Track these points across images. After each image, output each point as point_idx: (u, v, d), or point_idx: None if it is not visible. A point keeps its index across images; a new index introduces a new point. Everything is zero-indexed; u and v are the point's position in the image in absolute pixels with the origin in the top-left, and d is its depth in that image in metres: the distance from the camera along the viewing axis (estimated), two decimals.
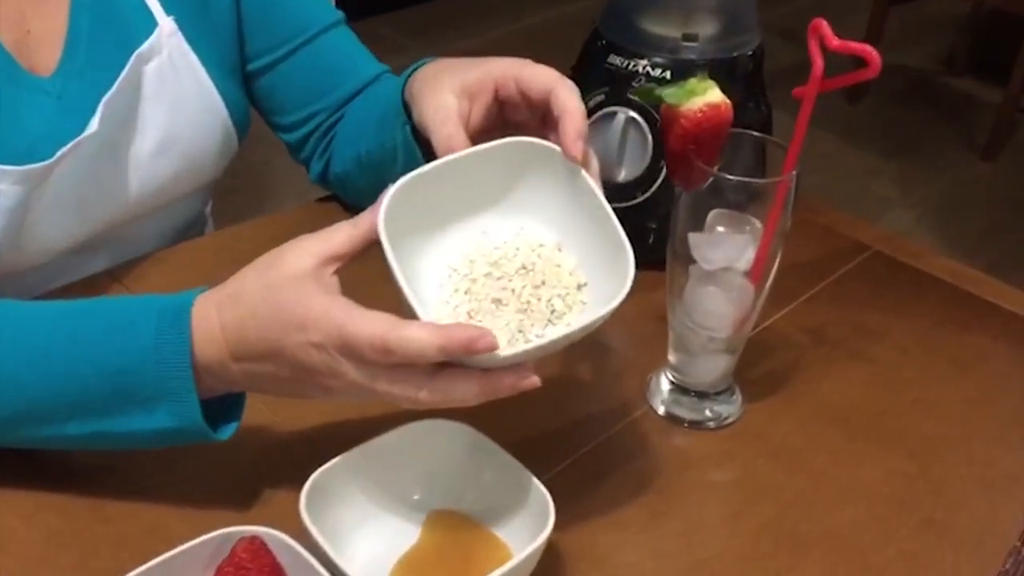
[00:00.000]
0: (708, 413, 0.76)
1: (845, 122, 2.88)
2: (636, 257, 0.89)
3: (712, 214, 0.70)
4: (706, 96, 0.65)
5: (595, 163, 0.65)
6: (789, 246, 0.72)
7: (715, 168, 0.67)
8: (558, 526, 0.61)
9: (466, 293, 0.63)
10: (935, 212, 2.59)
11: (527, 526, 0.60)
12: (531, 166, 0.64)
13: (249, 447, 0.68)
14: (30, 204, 0.75)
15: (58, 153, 0.73)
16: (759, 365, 0.81)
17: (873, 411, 0.78)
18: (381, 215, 0.59)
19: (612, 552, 0.65)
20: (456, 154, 0.63)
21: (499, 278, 0.63)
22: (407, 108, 0.74)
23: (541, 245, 0.64)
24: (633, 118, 0.86)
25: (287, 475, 0.64)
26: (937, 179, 2.72)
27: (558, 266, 0.64)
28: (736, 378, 0.78)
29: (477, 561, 0.61)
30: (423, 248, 0.64)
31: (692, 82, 0.66)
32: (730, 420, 0.76)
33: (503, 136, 0.64)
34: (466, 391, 0.56)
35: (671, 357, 0.77)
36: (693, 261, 0.71)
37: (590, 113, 0.88)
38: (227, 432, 0.63)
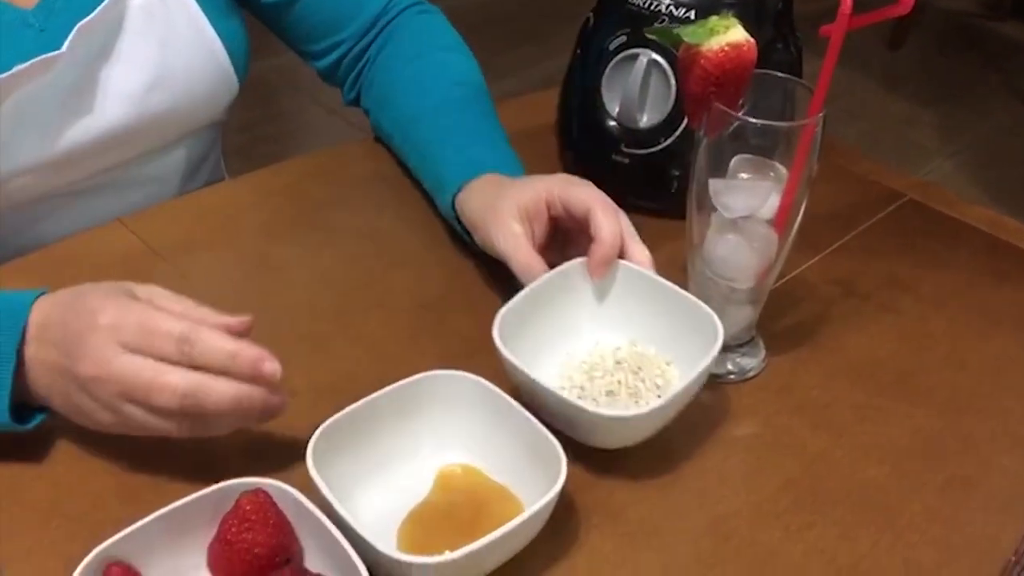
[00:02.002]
0: (730, 366, 0.73)
1: (885, 69, 2.80)
2: (658, 206, 0.88)
3: (735, 160, 0.67)
4: (728, 35, 0.62)
5: (643, 254, 0.71)
6: (818, 194, 0.69)
7: (737, 111, 0.64)
8: (572, 481, 0.59)
9: (579, 397, 0.67)
10: (975, 161, 2.52)
11: (540, 481, 0.59)
12: (582, 286, 0.72)
13: None
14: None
15: (16, 68, 0.73)
16: (783, 317, 0.78)
17: (901, 366, 0.76)
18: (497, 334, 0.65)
19: (627, 508, 0.64)
20: (536, 284, 0.70)
21: (602, 376, 0.69)
22: (457, 212, 0.79)
23: (618, 348, 0.71)
24: (655, 60, 0.83)
25: (294, 428, 0.63)
26: (977, 127, 2.64)
27: (642, 354, 0.71)
28: (759, 331, 0.75)
29: (488, 516, 0.60)
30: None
31: (713, 20, 0.62)
32: (752, 374, 0.74)
33: (561, 245, 0.74)
34: (222, 391, 0.58)
35: None
36: (714, 209, 0.69)
37: (612, 55, 0.86)
38: (34, 421, 0.63)
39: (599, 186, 0.89)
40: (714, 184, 0.67)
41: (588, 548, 0.61)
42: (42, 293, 0.63)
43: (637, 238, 0.71)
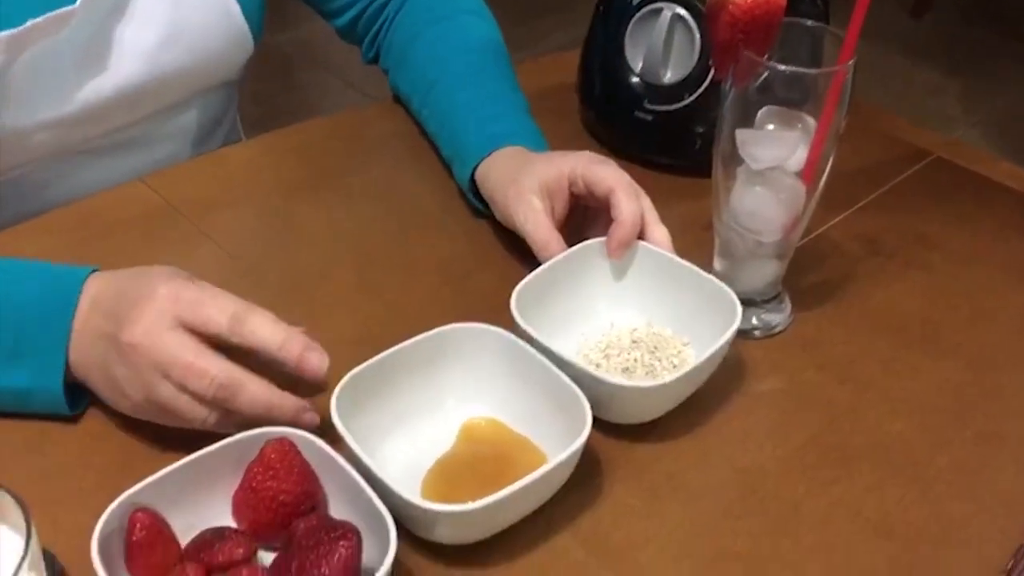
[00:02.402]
0: (755, 322, 0.73)
1: (908, 38, 2.77)
2: (681, 163, 0.87)
3: (762, 111, 0.66)
4: None
5: (663, 236, 0.71)
6: (845, 151, 0.68)
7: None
8: (596, 436, 0.59)
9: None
10: (998, 130, 2.48)
11: (564, 433, 0.58)
12: (600, 266, 0.71)
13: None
14: (15, 72, 0.74)
15: (30, 22, 0.72)
16: (809, 273, 0.77)
17: (928, 321, 0.75)
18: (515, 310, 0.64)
19: (652, 461, 0.63)
20: (553, 262, 0.69)
21: (618, 354, 0.68)
22: (475, 183, 0.79)
23: (635, 329, 0.70)
24: (679, 15, 0.82)
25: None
26: (1001, 96, 2.61)
27: (659, 334, 0.70)
28: (785, 286, 0.74)
29: (512, 467, 0.59)
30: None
31: None
32: (778, 329, 0.73)
33: (580, 224, 0.74)
34: (257, 393, 0.57)
35: (717, 264, 0.73)
36: (741, 162, 0.68)
37: (635, 10, 0.85)
38: (79, 406, 0.62)
39: (621, 145, 0.89)
40: (741, 135, 0.66)
41: (612, 501, 0.61)
42: (95, 269, 0.62)
43: (658, 221, 0.71)
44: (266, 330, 0.58)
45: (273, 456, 0.54)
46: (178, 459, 0.55)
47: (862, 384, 0.69)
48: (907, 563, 0.58)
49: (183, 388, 0.57)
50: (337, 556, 0.49)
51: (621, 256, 0.70)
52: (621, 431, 0.64)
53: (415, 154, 0.89)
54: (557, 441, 0.59)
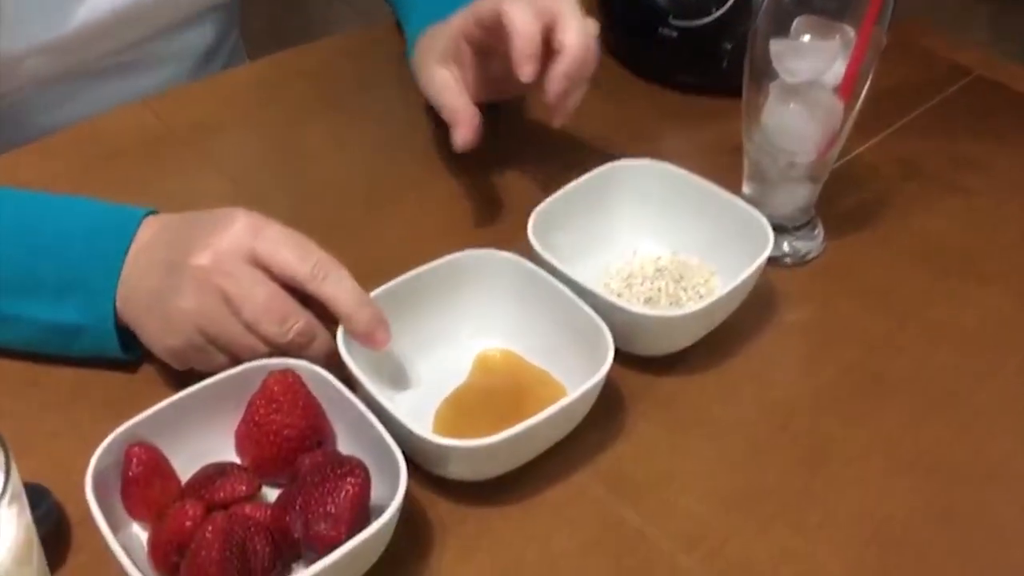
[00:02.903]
0: (786, 249, 0.69)
1: None
2: (708, 82, 0.82)
3: (798, 21, 0.62)
4: None
5: (574, 36, 0.62)
6: (880, 70, 0.64)
7: None
8: (618, 368, 0.56)
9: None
10: None
11: (584, 366, 0.55)
12: (622, 191, 0.67)
13: None
14: None
15: None
16: (844, 198, 0.73)
17: (969, 248, 0.71)
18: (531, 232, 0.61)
19: (677, 394, 0.60)
20: (571, 186, 0.65)
21: (641, 283, 0.65)
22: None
23: (659, 257, 0.67)
24: None
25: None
26: None
27: (684, 263, 0.66)
28: (818, 212, 0.70)
29: (530, 401, 0.56)
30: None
31: None
32: (810, 256, 0.69)
33: (507, 86, 0.66)
34: (325, 343, 0.55)
35: (746, 188, 0.69)
36: (774, 77, 0.63)
37: None
38: (134, 350, 0.58)
39: (645, 65, 0.85)
40: (776, 46, 0.61)
41: (636, 436, 0.58)
42: (153, 211, 0.59)
43: (574, 14, 0.62)
44: (345, 289, 0.54)
45: (276, 389, 0.51)
46: (178, 391, 0.52)
47: (899, 314, 0.66)
48: (945, 502, 0.55)
49: (253, 327, 0.53)
50: (344, 493, 0.46)
51: (530, 75, 0.61)
52: (644, 364, 0.61)
53: None
54: (577, 374, 0.56)
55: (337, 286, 0.54)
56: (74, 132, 0.77)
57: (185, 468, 0.51)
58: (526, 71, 0.61)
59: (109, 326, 0.56)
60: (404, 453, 0.49)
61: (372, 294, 0.56)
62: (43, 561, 0.40)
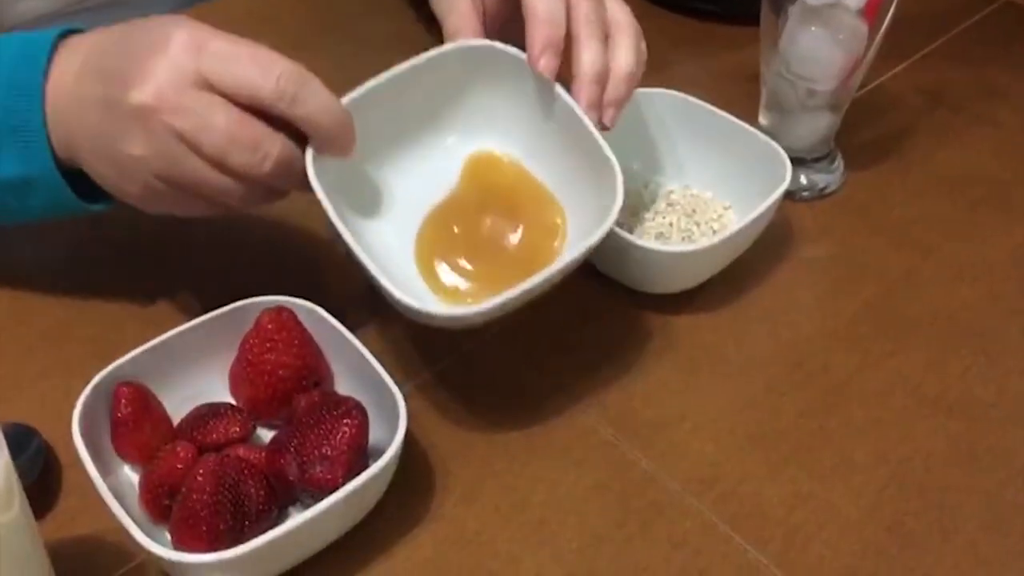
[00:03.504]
0: (804, 182, 0.66)
1: None
2: (723, 9, 0.78)
3: None
4: None
5: (589, 60, 0.52)
6: None
7: None
8: (629, 304, 0.53)
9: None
10: None
11: (588, 193, 0.51)
12: (631, 122, 0.60)
13: (296, 211, 0.59)
14: None
15: None
16: (865, 129, 0.70)
17: (997, 180, 0.68)
18: None
19: (688, 333, 0.58)
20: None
21: (652, 218, 0.62)
22: None
23: (671, 191, 0.64)
24: None
25: (314, 243, 0.57)
26: None
27: (697, 196, 0.63)
28: (838, 144, 0.67)
29: (521, 224, 0.52)
30: None
31: None
32: (829, 190, 0.66)
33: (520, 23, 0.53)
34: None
35: (763, 119, 0.66)
36: (793, 0, 0.60)
37: None
38: (97, 205, 0.51)
39: None
40: None
41: (644, 376, 0.56)
42: (74, 29, 0.50)
43: (591, 37, 0.52)
44: (321, 105, 0.46)
45: (270, 327, 0.49)
46: (169, 329, 0.50)
47: (922, 249, 0.63)
48: (969, 442, 0.53)
49: (220, 162, 0.45)
50: (340, 435, 0.44)
51: (552, 69, 0.51)
52: (656, 302, 0.59)
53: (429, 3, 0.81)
54: (580, 201, 0.51)
55: (310, 103, 0.46)
56: None
57: (177, 409, 0.49)
58: (543, 64, 0.51)
59: (54, 173, 0.49)
60: (402, 386, 0.47)
61: (348, 96, 0.50)
62: (26, 506, 0.38)
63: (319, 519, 0.43)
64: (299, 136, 0.48)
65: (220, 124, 0.45)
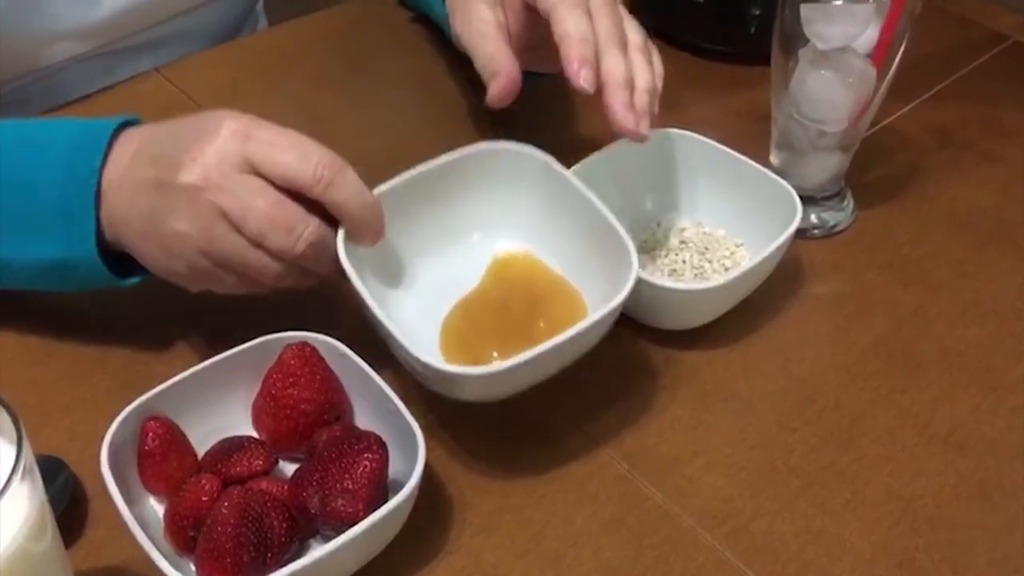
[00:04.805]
0: (814, 220, 0.67)
1: None
2: (734, 50, 0.80)
3: None
4: None
5: (615, 64, 0.55)
6: (914, 34, 0.61)
7: None
8: (641, 341, 0.55)
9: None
10: None
11: (606, 279, 0.53)
12: (645, 161, 0.64)
13: None
14: None
15: None
16: (874, 168, 0.71)
17: (1005, 218, 0.69)
18: None
19: (701, 368, 0.59)
20: (595, 156, 0.60)
21: (665, 255, 0.63)
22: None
23: (683, 229, 0.65)
24: None
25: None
26: None
27: (710, 235, 0.64)
28: (848, 182, 0.69)
29: (545, 314, 0.54)
30: None
31: None
32: (839, 228, 0.68)
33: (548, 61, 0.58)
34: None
35: (773, 158, 0.68)
36: (804, 43, 0.61)
37: None
38: (130, 280, 0.54)
39: (671, 31, 0.82)
40: (807, 11, 0.59)
41: (659, 412, 0.57)
42: (134, 120, 0.54)
43: (614, 45, 0.56)
44: (353, 191, 0.50)
45: (293, 362, 0.50)
46: (195, 362, 0.51)
47: (931, 287, 0.64)
48: (978, 479, 0.54)
49: (259, 242, 0.49)
50: (362, 469, 0.46)
51: (593, 83, 0.54)
52: (668, 338, 0.60)
53: (450, 42, 0.83)
54: (598, 285, 0.54)
55: (344, 189, 0.50)
56: (92, 102, 0.76)
57: (201, 442, 0.51)
58: (584, 77, 0.54)
59: (94, 257, 0.52)
60: (422, 418, 0.48)
61: (379, 190, 0.53)
62: (58, 536, 0.39)
63: (341, 551, 0.44)
64: (332, 222, 0.51)
65: (260, 205, 0.48)
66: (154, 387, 0.50)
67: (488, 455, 0.54)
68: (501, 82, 0.58)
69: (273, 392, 0.50)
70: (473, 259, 0.57)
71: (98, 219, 0.52)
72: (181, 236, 0.49)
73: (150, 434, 0.48)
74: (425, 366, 0.48)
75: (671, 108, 0.77)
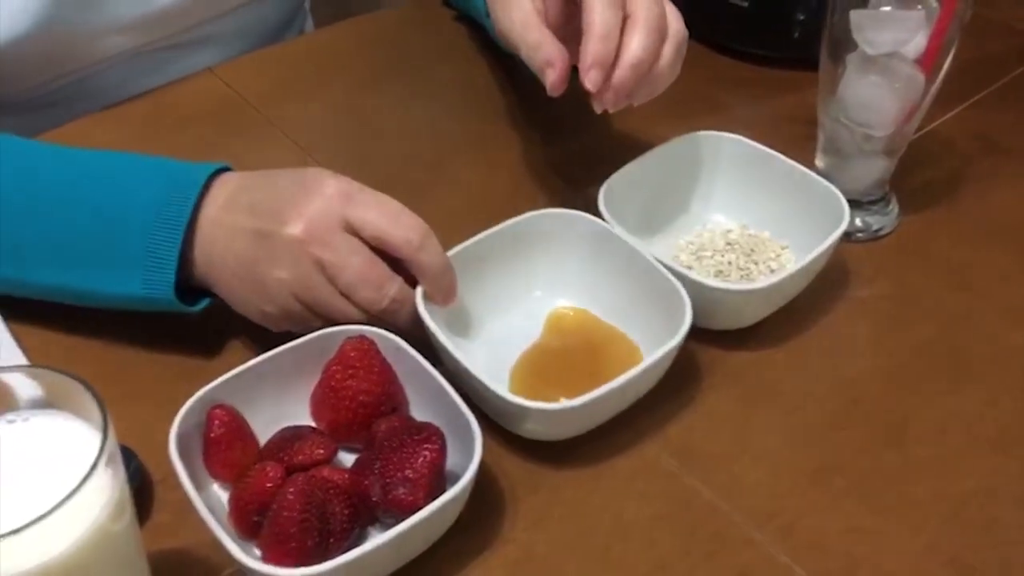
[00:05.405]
0: (858, 223, 0.68)
1: None
2: (778, 54, 0.81)
3: None
4: None
5: (638, 44, 0.55)
6: (961, 40, 0.62)
7: None
8: (688, 340, 0.55)
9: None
10: None
11: (659, 327, 0.55)
12: (693, 163, 0.67)
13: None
14: None
15: None
16: (919, 173, 0.72)
17: None
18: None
19: (747, 369, 0.60)
20: (642, 158, 0.64)
21: (711, 256, 0.64)
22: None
23: (729, 231, 0.66)
24: None
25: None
26: None
27: (755, 237, 0.65)
28: (892, 187, 0.69)
29: (605, 360, 0.56)
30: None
31: None
32: (883, 232, 0.68)
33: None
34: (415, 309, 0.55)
35: (819, 162, 0.68)
36: (852, 48, 0.62)
37: None
38: (201, 304, 0.57)
39: (714, 36, 0.83)
40: (856, 16, 0.60)
41: (706, 410, 0.58)
42: (225, 168, 0.57)
43: (642, 29, 0.55)
44: (436, 256, 0.54)
45: (353, 355, 0.51)
46: (255, 354, 0.53)
47: (976, 291, 0.64)
48: None
49: (349, 294, 0.53)
50: (422, 458, 0.47)
51: (598, 84, 0.55)
52: (714, 338, 0.60)
53: (493, 44, 0.84)
54: (651, 335, 0.56)
55: (429, 254, 0.54)
56: (145, 100, 0.78)
57: (261, 431, 0.52)
58: (593, 78, 0.55)
59: (171, 298, 0.55)
60: (481, 412, 0.49)
61: (448, 253, 0.56)
62: (134, 517, 0.41)
63: (401, 538, 0.45)
64: (412, 282, 0.55)
65: (356, 264, 0.53)
66: (212, 379, 0.51)
67: (538, 452, 0.55)
68: (555, 72, 0.57)
69: (332, 383, 0.51)
70: (533, 314, 0.60)
71: (183, 260, 0.55)
72: (280, 282, 0.53)
73: (216, 421, 0.49)
74: (502, 399, 0.51)
75: (716, 112, 0.78)
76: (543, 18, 0.59)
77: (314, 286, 0.53)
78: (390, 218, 0.53)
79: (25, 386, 0.40)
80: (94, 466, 0.36)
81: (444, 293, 0.55)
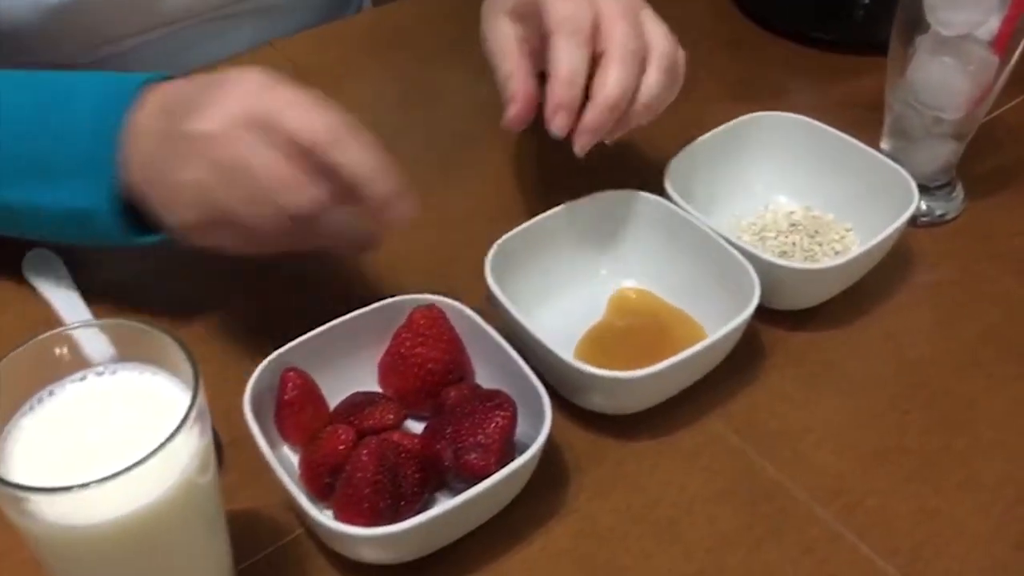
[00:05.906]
0: (923, 207, 0.67)
1: None
2: (839, 38, 0.80)
3: None
4: None
5: (615, 78, 0.53)
6: None
7: None
8: (751, 319, 0.55)
9: None
10: None
11: (724, 306, 0.55)
12: (757, 143, 0.66)
13: (432, 221, 0.62)
14: None
15: None
16: (986, 158, 0.71)
17: None
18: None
19: (810, 349, 0.60)
20: (706, 137, 0.64)
21: (775, 237, 0.64)
22: None
23: (792, 212, 0.66)
24: None
25: (465, 249, 0.60)
26: None
27: (819, 218, 0.65)
28: (958, 172, 0.68)
29: (670, 338, 0.57)
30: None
31: None
32: (948, 217, 0.68)
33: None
34: (341, 214, 0.49)
35: (885, 144, 0.68)
36: (924, 30, 0.61)
37: None
38: (148, 238, 0.54)
39: (774, 18, 0.83)
40: None
41: (769, 388, 0.58)
42: (164, 76, 0.53)
43: (622, 60, 0.53)
44: (363, 155, 0.48)
45: (422, 323, 0.52)
46: (317, 325, 0.53)
47: None
48: None
49: (267, 199, 0.47)
50: (494, 424, 0.47)
51: (564, 130, 0.53)
52: (777, 318, 0.60)
53: None
54: (715, 314, 0.56)
55: (353, 152, 0.47)
56: (211, 68, 0.78)
57: (330, 396, 0.52)
58: (556, 123, 0.53)
59: (109, 207, 0.52)
60: (546, 383, 0.50)
61: (515, 230, 0.57)
62: (216, 473, 0.41)
63: (471, 503, 0.45)
64: (352, 200, 0.49)
65: (268, 161, 0.47)
66: (278, 345, 0.52)
67: (602, 425, 0.55)
68: (516, 107, 0.56)
69: (402, 351, 0.52)
70: (596, 294, 0.61)
71: (118, 170, 0.51)
72: (184, 184, 0.49)
73: (289, 384, 0.49)
74: (570, 367, 0.51)
75: (777, 96, 0.78)
76: (523, 46, 0.57)
77: (224, 188, 0.48)
78: (309, 112, 0.48)
79: (102, 341, 0.41)
80: (185, 418, 0.37)
81: (380, 201, 0.48)
